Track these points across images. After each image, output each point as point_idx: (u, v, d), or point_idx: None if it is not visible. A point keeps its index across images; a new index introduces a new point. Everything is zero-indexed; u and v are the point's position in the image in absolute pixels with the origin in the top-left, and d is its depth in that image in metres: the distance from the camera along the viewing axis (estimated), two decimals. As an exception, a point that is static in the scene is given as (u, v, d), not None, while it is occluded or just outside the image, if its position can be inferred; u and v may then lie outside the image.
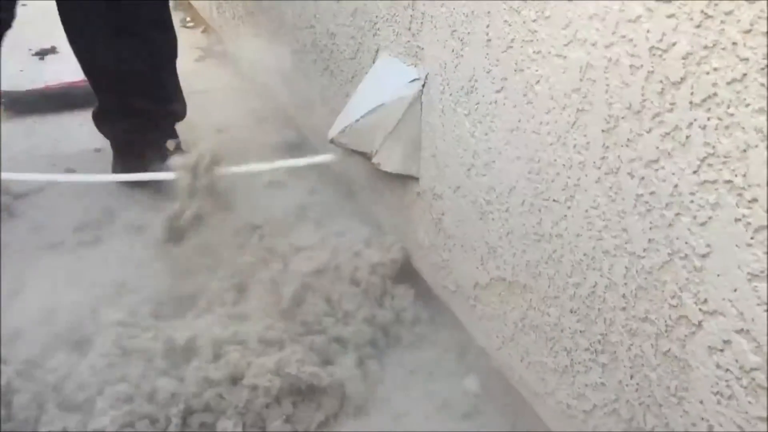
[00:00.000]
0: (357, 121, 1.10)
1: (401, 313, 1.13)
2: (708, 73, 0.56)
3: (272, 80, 1.91)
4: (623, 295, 0.69)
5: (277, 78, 1.83)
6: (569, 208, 0.75)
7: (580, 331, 0.76)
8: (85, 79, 1.57)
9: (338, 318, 1.10)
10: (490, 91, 0.85)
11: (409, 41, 1.05)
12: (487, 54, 0.85)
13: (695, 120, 0.58)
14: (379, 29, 1.15)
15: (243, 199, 1.51)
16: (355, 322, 1.10)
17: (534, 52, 0.76)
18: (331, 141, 1.14)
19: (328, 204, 1.50)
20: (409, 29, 1.04)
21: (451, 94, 0.96)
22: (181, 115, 1.63)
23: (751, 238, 0.54)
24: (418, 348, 1.11)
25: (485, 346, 0.99)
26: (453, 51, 0.93)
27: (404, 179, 1.14)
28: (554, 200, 0.77)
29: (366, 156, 1.12)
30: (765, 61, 0.51)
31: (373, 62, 1.19)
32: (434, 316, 1.15)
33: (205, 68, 2.42)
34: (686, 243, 0.60)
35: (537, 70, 0.76)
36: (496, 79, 0.84)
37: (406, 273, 1.18)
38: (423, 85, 1.04)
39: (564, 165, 0.74)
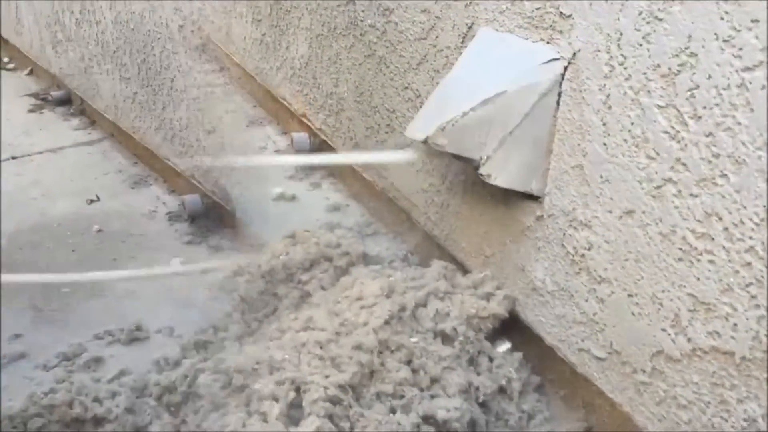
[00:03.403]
0: (465, 114, 0.77)
1: (506, 381, 0.82)
2: None
3: (150, 135, 1.49)
4: None
5: (161, 132, 1.44)
6: None
7: None
8: None
9: (424, 387, 0.78)
10: (736, 67, 0.56)
11: (539, 8, 0.75)
12: (729, 12, 0.56)
13: None
14: (477, -3, 0.84)
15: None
16: (447, 394, 0.78)
17: None
18: (425, 141, 0.81)
19: (391, 227, 1.18)
20: (543, -9, 0.74)
21: (628, 78, 0.66)
22: None
23: None
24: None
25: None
26: (641, 14, 0.63)
27: (513, 198, 0.84)
28: None
29: (471, 164, 0.80)
30: None
31: (462, 41, 0.88)
32: (557, 389, 0.84)
33: (46, 121, 1.88)
34: None
35: None
36: (756, 50, 0.55)
37: (507, 325, 0.87)
38: (565, 68, 0.73)
39: None
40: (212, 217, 1.35)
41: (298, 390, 0.75)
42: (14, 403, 0.85)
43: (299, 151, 1.43)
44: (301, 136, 1.45)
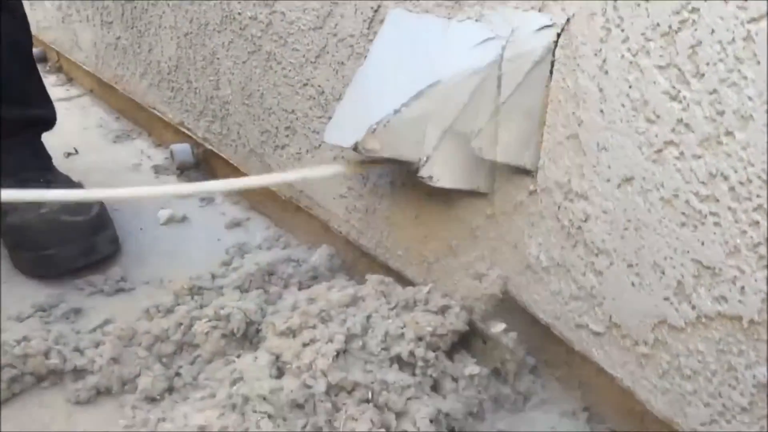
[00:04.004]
0: (397, 112, 0.70)
1: (500, 363, 0.78)
2: None
3: (135, 82, 1.46)
4: None
5: (148, 78, 1.39)
6: None
7: None
8: None
9: (392, 428, 0.69)
10: (740, 19, 0.54)
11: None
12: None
13: None
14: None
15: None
16: (417, 427, 0.69)
17: None
18: (355, 148, 0.73)
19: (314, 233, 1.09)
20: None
21: (625, 40, 0.63)
22: (50, 121, 1.22)
23: None
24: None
25: (669, 415, 0.67)
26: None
27: (507, 174, 0.80)
28: None
29: (409, 167, 0.74)
30: None
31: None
32: (553, 369, 0.82)
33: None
34: None
35: None
36: (761, 1, 0.52)
37: (501, 306, 0.83)
38: (558, 35, 0.70)
39: None
40: (203, 169, 1.32)
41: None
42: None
43: (182, 164, 1.32)
44: (183, 147, 1.32)
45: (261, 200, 1.20)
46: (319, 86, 0.95)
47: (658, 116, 0.62)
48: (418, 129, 0.71)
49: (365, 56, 0.80)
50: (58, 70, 1.93)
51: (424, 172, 0.73)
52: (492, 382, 0.78)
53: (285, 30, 0.97)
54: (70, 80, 1.88)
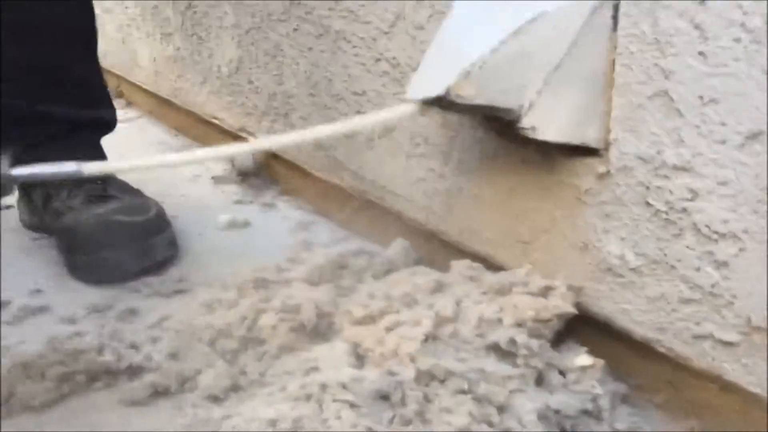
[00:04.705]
0: (494, 51, 0.60)
1: (590, 397, 0.65)
2: None
3: (195, 93, 1.42)
4: None
5: (208, 85, 1.35)
6: None
7: None
8: None
9: (494, 423, 0.59)
10: None
11: None
12: None
13: None
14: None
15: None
16: (524, 424, 0.60)
17: None
18: (446, 94, 0.62)
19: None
20: None
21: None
22: (110, 124, 1.17)
23: None
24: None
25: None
26: None
27: (553, 156, 0.70)
28: None
29: (508, 116, 0.64)
30: None
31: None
32: (651, 395, 0.70)
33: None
34: None
35: None
36: None
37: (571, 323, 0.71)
38: None
39: None
40: (264, 174, 1.27)
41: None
42: (28, 347, 0.74)
43: (242, 170, 1.28)
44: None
45: (326, 203, 1.14)
46: (394, 58, 0.88)
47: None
48: (519, 70, 0.61)
49: (448, 14, 0.72)
50: (119, 96, 1.94)
51: (526, 122, 0.63)
52: (584, 420, 0.64)
53: (356, 2, 0.91)
54: (128, 104, 1.89)
